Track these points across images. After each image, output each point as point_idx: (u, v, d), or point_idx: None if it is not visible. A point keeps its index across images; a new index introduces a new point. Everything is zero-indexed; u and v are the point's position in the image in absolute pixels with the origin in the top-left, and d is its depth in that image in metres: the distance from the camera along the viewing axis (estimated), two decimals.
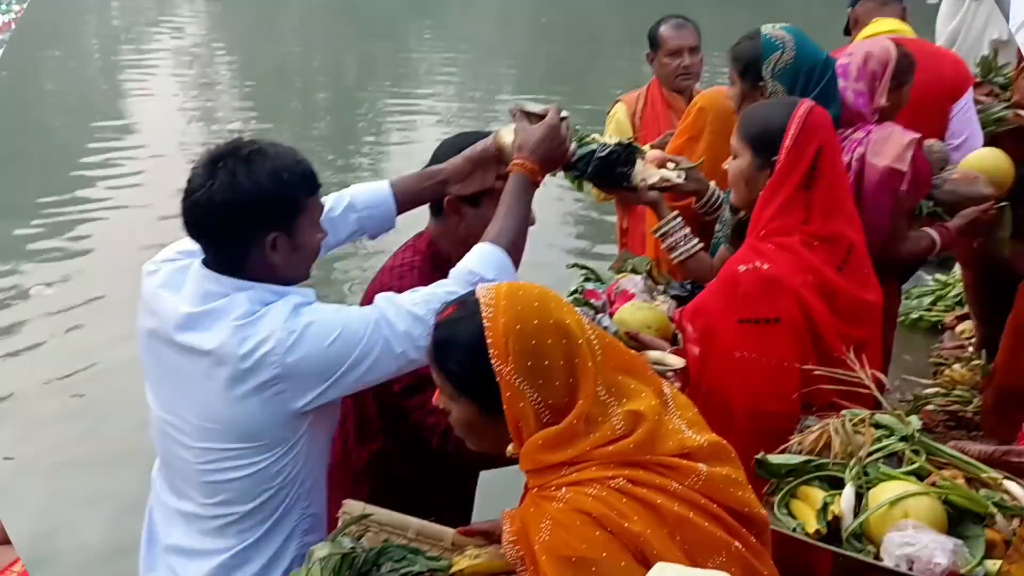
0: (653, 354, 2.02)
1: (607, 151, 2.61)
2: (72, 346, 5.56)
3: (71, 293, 6.23)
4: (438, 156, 2.32)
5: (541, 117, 2.14)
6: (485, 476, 2.56)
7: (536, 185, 2.11)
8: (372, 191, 2.29)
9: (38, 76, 13.44)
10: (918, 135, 2.82)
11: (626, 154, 2.63)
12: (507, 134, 2.20)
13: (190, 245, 1.98)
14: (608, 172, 2.62)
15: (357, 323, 1.87)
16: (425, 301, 1.92)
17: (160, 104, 11.61)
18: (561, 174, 2.53)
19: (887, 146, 2.77)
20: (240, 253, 1.87)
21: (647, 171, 2.69)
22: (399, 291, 1.98)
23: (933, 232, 2.92)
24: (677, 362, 2.01)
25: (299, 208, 1.89)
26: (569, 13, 19.20)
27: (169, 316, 1.89)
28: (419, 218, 2.45)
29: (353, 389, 1.92)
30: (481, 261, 1.98)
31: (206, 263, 1.91)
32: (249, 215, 1.83)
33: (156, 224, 6.71)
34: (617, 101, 4.27)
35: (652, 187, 2.69)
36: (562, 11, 19.57)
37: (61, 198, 7.90)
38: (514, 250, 2.02)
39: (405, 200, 2.30)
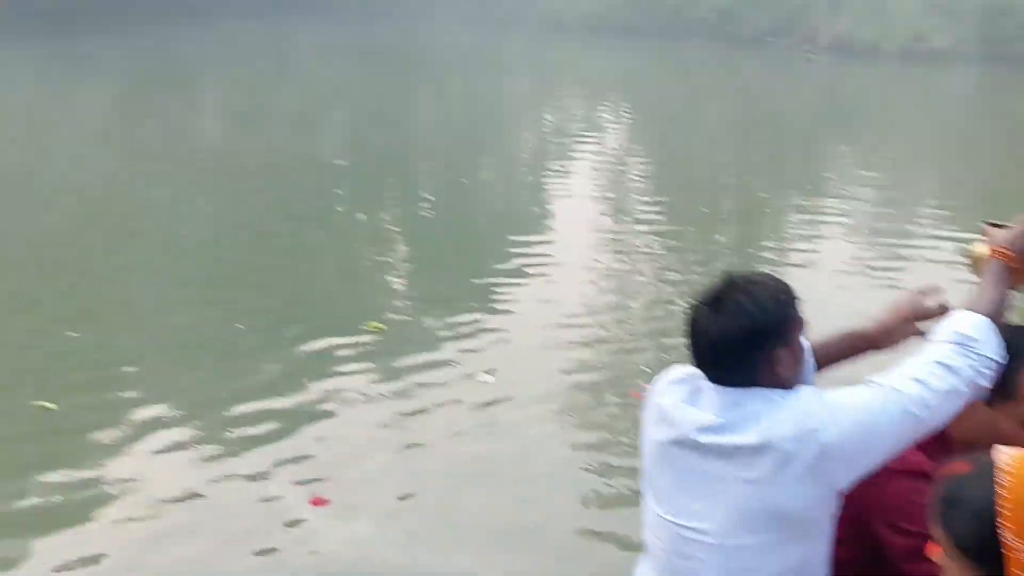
0: None
1: None
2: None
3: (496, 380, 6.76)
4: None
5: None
6: None
7: (1011, 272, 2.16)
8: None
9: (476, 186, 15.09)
10: None
11: None
12: (979, 247, 2.29)
13: (689, 370, 2.12)
14: None
15: (872, 396, 1.98)
16: (923, 364, 2.00)
17: (575, 203, 12.45)
18: None
19: None
20: (753, 374, 2.02)
21: None
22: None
23: None
24: None
25: (795, 322, 2.07)
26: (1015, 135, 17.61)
27: (693, 425, 2.02)
28: None
29: (881, 461, 1.98)
30: (969, 324, 2.03)
31: (717, 382, 2.06)
32: (761, 337, 2.00)
33: (566, 320, 7.19)
34: None
35: None
36: (1003, 130, 18.08)
37: (488, 287, 8.67)
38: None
39: (824, 358, 2.36)
